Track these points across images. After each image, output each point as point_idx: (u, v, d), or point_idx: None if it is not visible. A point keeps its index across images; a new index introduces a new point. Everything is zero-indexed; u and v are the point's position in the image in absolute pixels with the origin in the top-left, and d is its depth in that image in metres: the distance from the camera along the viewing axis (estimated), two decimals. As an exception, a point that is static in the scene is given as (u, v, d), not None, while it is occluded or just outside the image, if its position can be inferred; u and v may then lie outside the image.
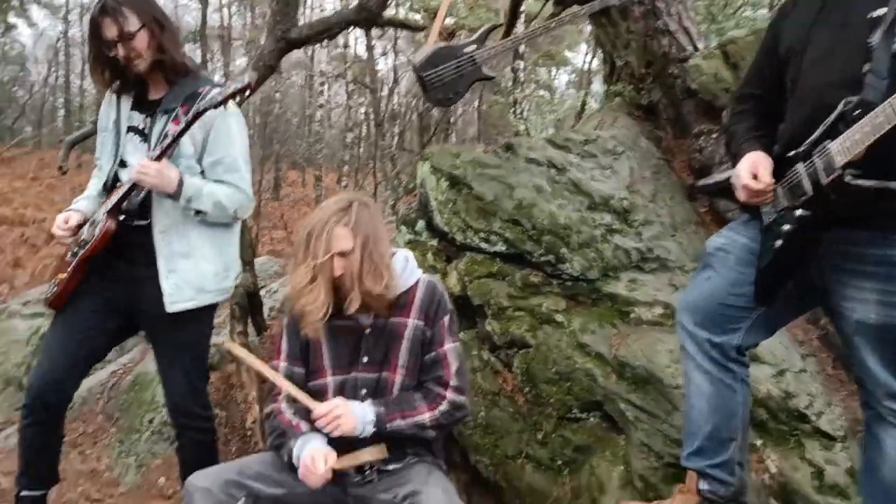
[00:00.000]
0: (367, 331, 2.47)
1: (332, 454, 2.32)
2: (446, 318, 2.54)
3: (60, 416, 2.97)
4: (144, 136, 2.85)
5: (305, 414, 2.50)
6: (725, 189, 2.49)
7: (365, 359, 2.46)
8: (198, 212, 2.82)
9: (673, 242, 3.86)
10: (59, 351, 2.85)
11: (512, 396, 3.16)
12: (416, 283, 2.56)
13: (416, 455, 2.48)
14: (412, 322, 2.49)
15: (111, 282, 2.88)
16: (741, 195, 2.21)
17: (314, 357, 2.52)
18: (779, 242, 2.18)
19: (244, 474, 2.38)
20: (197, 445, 3.01)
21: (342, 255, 2.36)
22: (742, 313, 2.31)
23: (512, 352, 3.23)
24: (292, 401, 2.52)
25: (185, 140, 2.78)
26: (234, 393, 4.21)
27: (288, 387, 2.40)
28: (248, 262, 4.29)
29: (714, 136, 4.98)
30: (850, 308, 2.15)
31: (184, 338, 2.91)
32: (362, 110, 19.87)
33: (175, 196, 2.74)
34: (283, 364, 2.55)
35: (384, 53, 19.99)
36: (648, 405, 2.88)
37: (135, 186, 2.74)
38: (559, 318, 3.25)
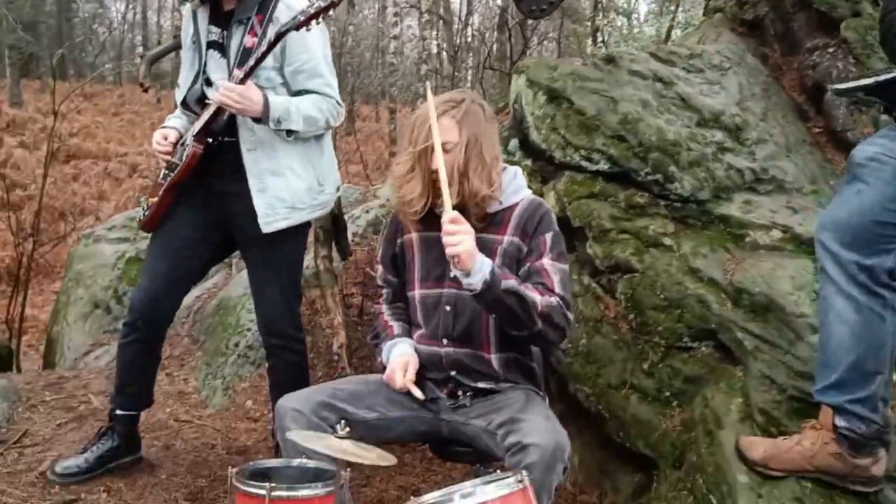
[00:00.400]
0: None
1: (413, 364, 2.25)
2: (548, 236, 2.31)
3: (160, 336, 2.95)
4: (223, 50, 2.72)
5: (402, 314, 2.43)
6: (873, 94, 2.21)
7: (452, 274, 2.29)
8: (289, 132, 2.70)
9: (789, 163, 3.53)
10: (157, 270, 2.83)
11: (615, 323, 2.96)
12: (521, 200, 2.36)
13: (512, 381, 2.32)
14: (507, 238, 2.30)
15: (205, 199, 2.81)
16: None
17: (406, 268, 2.42)
18: None
19: (337, 397, 2.27)
20: (289, 367, 2.93)
21: (444, 150, 2.19)
22: None
23: (615, 277, 3.01)
24: (390, 302, 2.46)
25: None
26: (318, 318, 4.13)
27: None
28: (331, 184, 4.14)
29: (830, 50, 4.57)
30: None
31: (279, 256, 2.82)
32: (435, 43, 19.44)
33: (262, 119, 2.62)
34: (380, 268, 2.50)
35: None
36: (769, 334, 2.63)
37: (221, 109, 2.62)
38: (667, 241, 3.01)
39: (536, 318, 2.10)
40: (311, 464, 2.10)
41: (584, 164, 3.21)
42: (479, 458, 2.36)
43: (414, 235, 2.39)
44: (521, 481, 1.79)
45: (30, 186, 14.02)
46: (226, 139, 2.73)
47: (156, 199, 2.81)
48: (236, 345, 3.98)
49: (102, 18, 32.80)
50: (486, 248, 2.28)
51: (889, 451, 2.20)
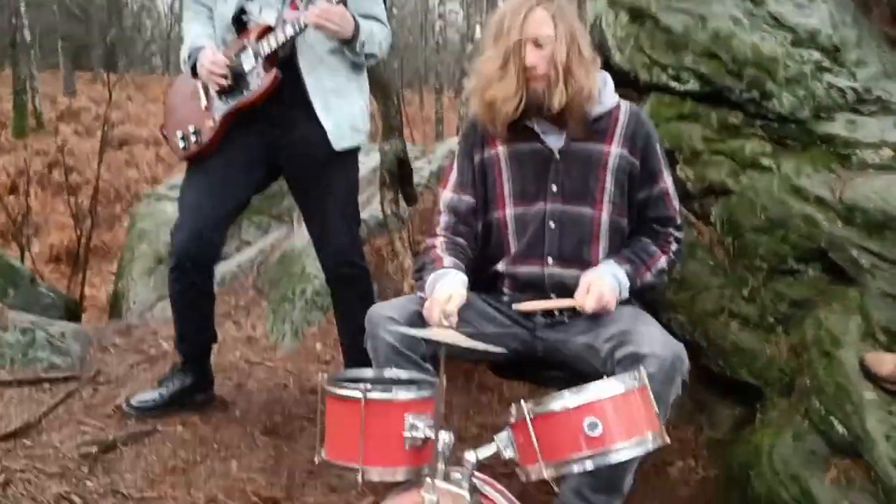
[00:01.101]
0: (558, 155, 2.14)
1: (458, 297, 1.96)
2: (659, 148, 2.20)
3: (209, 272, 2.84)
4: None
5: (459, 249, 2.18)
6: None
7: (553, 187, 2.13)
8: (368, 55, 2.62)
9: (893, 84, 3.29)
10: (203, 207, 2.67)
11: (710, 248, 2.77)
12: (618, 106, 2.20)
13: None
14: (615, 150, 2.15)
15: (256, 128, 2.69)
16: None
17: (491, 186, 2.21)
18: None
19: None
20: (359, 299, 2.81)
21: (537, 43, 2.03)
22: None
23: (709, 200, 2.82)
24: (449, 232, 2.21)
25: None
26: (386, 266, 4.02)
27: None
28: (396, 127, 4.02)
29: (922, -19, 4.30)
30: None
31: (340, 179, 2.74)
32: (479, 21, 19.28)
33: (352, 41, 2.54)
34: (448, 194, 2.26)
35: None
36: (888, 251, 2.41)
37: (296, 32, 2.52)
38: (765, 161, 2.80)
39: (666, 275, 2.21)
40: (404, 373, 1.97)
41: (673, 84, 3.01)
42: (569, 383, 2.21)
43: (500, 149, 2.21)
44: (636, 378, 1.63)
45: (85, 172, 14.24)
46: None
47: (209, 126, 2.68)
48: (303, 291, 3.89)
49: (150, 11, 33.34)
50: (592, 159, 2.14)
51: None
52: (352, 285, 2.79)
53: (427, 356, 2.10)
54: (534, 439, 1.58)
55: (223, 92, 2.65)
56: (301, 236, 4.36)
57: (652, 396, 1.63)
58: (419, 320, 2.06)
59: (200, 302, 2.85)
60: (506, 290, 2.23)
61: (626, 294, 2.08)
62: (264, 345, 3.67)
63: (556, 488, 1.83)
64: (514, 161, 2.20)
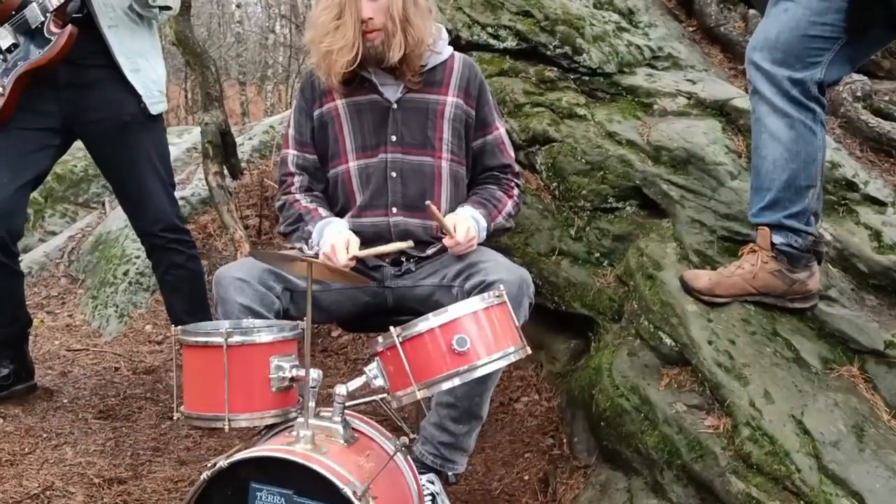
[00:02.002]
0: (394, 106, 2.18)
1: (355, 240, 2.07)
2: (491, 98, 2.29)
3: (14, 250, 2.61)
4: None
5: (323, 201, 2.24)
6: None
7: (393, 137, 2.17)
8: (161, 8, 2.50)
9: (680, 44, 3.63)
10: (4, 177, 2.48)
11: (538, 194, 2.93)
12: (451, 56, 2.27)
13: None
14: (451, 100, 2.21)
15: (50, 91, 2.50)
16: None
17: (332, 140, 2.22)
18: None
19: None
20: (186, 265, 2.72)
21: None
22: (825, 45, 2.09)
23: (534, 149, 2.97)
24: (305, 190, 2.26)
25: None
26: (213, 242, 3.89)
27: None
28: (216, 98, 3.89)
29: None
30: None
31: (153, 143, 2.61)
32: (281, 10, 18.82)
33: None
34: (292, 153, 2.26)
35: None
36: (692, 184, 2.68)
37: None
38: (581, 111, 3.00)
39: (512, 219, 2.31)
40: (260, 322, 1.94)
41: (492, 42, 3.15)
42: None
43: (339, 103, 2.21)
44: (499, 296, 1.71)
45: None
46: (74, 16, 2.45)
47: None
48: (125, 273, 3.68)
49: None
50: (429, 108, 2.19)
51: (820, 266, 2.29)
52: (179, 250, 2.67)
53: (281, 314, 2.09)
54: (405, 363, 1.62)
55: (7, 55, 2.44)
56: (117, 217, 4.12)
57: (512, 311, 1.72)
58: (270, 279, 2.04)
59: (10, 283, 2.62)
60: None
61: (483, 235, 2.16)
62: (86, 331, 3.44)
63: (425, 410, 1.88)
64: (352, 113, 2.21)
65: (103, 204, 4.61)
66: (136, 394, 2.82)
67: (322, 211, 2.18)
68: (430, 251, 2.21)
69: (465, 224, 2.07)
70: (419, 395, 1.61)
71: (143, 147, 2.57)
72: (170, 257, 2.67)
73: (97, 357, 3.16)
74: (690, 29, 4.40)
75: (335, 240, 2.04)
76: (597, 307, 2.65)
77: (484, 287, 1.95)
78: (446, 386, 1.62)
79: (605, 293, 2.65)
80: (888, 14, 2.07)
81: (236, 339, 1.68)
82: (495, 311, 1.69)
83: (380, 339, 1.68)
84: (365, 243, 2.15)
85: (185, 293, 2.70)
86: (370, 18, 2.05)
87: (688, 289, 2.31)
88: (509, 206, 2.27)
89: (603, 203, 2.80)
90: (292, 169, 2.26)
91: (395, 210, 2.18)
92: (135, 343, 3.29)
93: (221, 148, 3.82)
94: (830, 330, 2.24)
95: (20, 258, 2.76)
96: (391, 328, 1.64)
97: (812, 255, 2.22)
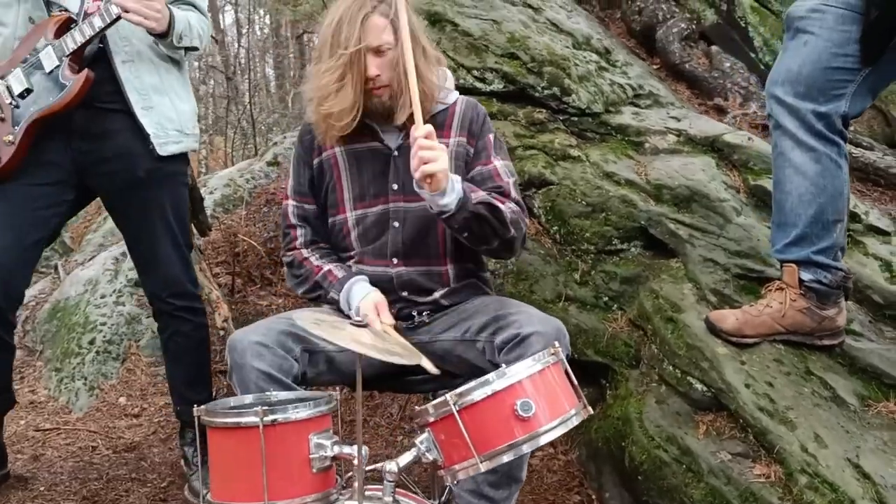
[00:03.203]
0: (395, 154, 2.07)
1: (383, 302, 1.96)
2: (492, 136, 2.18)
3: (12, 321, 2.39)
4: None
5: (331, 255, 2.13)
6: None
7: (395, 186, 2.06)
8: (188, 49, 2.35)
9: (656, 81, 3.63)
10: (4, 238, 2.26)
11: (538, 239, 2.85)
12: (456, 101, 2.18)
13: (473, 290, 2.13)
14: (453, 140, 2.11)
15: (61, 141, 2.32)
16: None
17: (330, 188, 2.10)
18: None
19: (296, 326, 1.94)
20: (193, 332, 2.53)
21: (378, 51, 1.93)
22: (848, 76, 2.07)
23: (530, 192, 2.89)
24: (309, 243, 2.14)
25: None
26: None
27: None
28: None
29: (651, -6, 4.82)
30: None
31: (167, 195, 2.42)
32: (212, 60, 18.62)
33: (166, 35, 2.24)
34: (292, 204, 2.15)
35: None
36: (699, 222, 2.64)
37: (107, 24, 2.18)
38: (574, 152, 2.95)
39: (509, 224, 1.93)
40: (284, 394, 1.78)
41: (479, 85, 3.08)
42: (440, 385, 2.14)
43: (338, 150, 2.09)
44: (554, 354, 1.60)
45: None
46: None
47: (6, 142, 2.27)
48: (91, 342, 3.43)
49: None
50: None
51: (847, 301, 2.25)
52: (187, 317, 2.47)
53: (299, 377, 1.94)
54: (465, 433, 1.48)
55: (20, 97, 2.24)
56: (76, 282, 3.87)
57: (569, 369, 1.61)
58: (290, 341, 1.90)
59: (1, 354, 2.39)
60: None
61: (456, 190, 1.84)
62: (53, 408, 3.16)
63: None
64: (351, 162, 2.09)
65: (55, 268, 4.34)
66: (121, 475, 2.59)
67: (336, 271, 2.06)
68: (436, 295, 2.08)
69: (443, 147, 1.82)
70: (482, 467, 1.48)
71: (158, 206, 2.38)
72: (176, 324, 2.47)
73: (70, 436, 2.90)
74: (655, 67, 4.45)
75: (366, 307, 1.94)
76: (611, 353, 2.56)
77: (519, 341, 1.84)
78: (511, 456, 1.49)
79: (619, 338, 2.56)
80: None
81: (271, 417, 1.52)
82: (553, 371, 1.57)
83: (430, 408, 1.54)
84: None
85: (187, 363, 2.51)
86: (377, 76, 1.94)
87: (715, 330, 2.24)
88: (503, 206, 1.92)
89: (607, 245, 2.73)
90: (293, 221, 2.15)
91: (395, 261, 2.07)
92: (110, 418, 3.03)
93: (189, 204, 3.62)
94: (862, 365, 2.20)
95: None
96: (446, 395, 1.50)
97: (841, 291, 2.18)
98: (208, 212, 4.38)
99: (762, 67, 4.37)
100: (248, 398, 1.75)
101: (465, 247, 2.11)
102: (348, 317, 1.97)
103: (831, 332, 2.21)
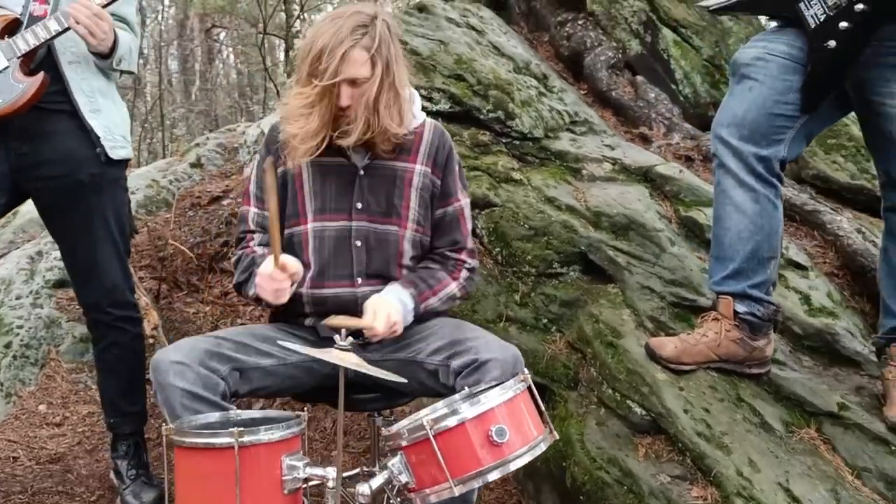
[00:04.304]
0: (361, 172, 2.09)
1: (294, 264, 1.95)
2: (457, 168, 2.22)
3: None
4: None
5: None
6: (739, 3, 2.40)
7: (359, 205, 2.08)
8: (123, 72, 2.31)
9: (589, 108, 3.76)
10: None
11: (480, 259, 2.90)
12: (423, 124, 2.20)
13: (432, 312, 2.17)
14: (419, 168, 2.13)
15: (1, 142, 2.22)
16: None
17: (291, 198, 2.10)
18: (832, 43, 2.11)
19: (223, 346, 1.93)
20: (130, 343, 2.46)
21: (353, 83, 1.94)
22: (788, 123, 2.22)
23: (475, 213, 2.95)
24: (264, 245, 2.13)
25: None
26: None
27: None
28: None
29: (580, 22, 4.98)
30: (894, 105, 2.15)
31: (110, 201, 2.35)
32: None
33: (107, 56, 2.20)
34: (252, 210, 2.14)
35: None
36: (636, 250, 2.76)
37: (63, 29, 2.12)
38: (517, 175, 3.03)
39: (458, 300, 2.17)
40: (249, 413, 1.78)
41: (426, 104, 3.11)
42: (386, 403, 2.17)
43: (303, 161, 2.10)
44: (523, 381, 1.66)
45: None
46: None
47: None
48: (7, 346, 3.26)
49: None
50: (396, 176, 2.10)
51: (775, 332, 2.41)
52: (123, 329, 2.40)
53: (228, 395, 1.92)
54: (440, 457, 1.51)
55: None
56: (-15, 282, 3.66)
57: (536, 394, 1.66)
58: (214, 360, 1.88)
59: None
60: (308, 311, 2.11)
61: (410, 318, 2.02)
62: (-35, 416, 3.00)
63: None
64: (316, 175, 2.09)
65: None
66: (46, 487, 2.48)
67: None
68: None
69: (386, 309, 1.95)
70: (456, 491, 1.52)
71: (100, 211, 2.29)
72: (113, 335, 2.39)
73: (-14, 446, 2.76)
74: (582, 92, 4.60)
75: (262, 268, 1.94)
76: (550, 375, 2.63)
77: (477, 366, 1.87)
78: (483, 481, 1.54)
79: (559, 360, 2.64)
80: (837, 93, 2.24)
81: (249, 438, 1.51)
82: (523, 398, 1.63)
83: (405, 431, 1.56)
84: (325, 315, 2.03)
85: (122, 374, 2.44)
86: (348, 106, 1.95)
87: (655, 357, 2.35)
88: (452, 287, 2.11)
89: (548, 268, 2.81)
90: (252, 227, 2.14)
91: (360, 280, 2.08)
92: (30, 427, 2.89)
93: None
94: (786, 393, 2.35)
95: None
96: (422, 420, 1.53)
97: (771, 324, 2.33)
98: (132, 213, 4.25)
99: (681, 99, 4.60)
100: (214, 416, 1.74)
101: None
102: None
103: (760, 361, 2.36)
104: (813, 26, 2.15)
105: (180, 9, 16.82)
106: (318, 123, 1.94)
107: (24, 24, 2.13)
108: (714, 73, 4.65)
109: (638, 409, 2.29)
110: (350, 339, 1.65)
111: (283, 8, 11.45)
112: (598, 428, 2.33)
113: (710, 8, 2.41)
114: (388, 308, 1.95)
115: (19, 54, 2.10)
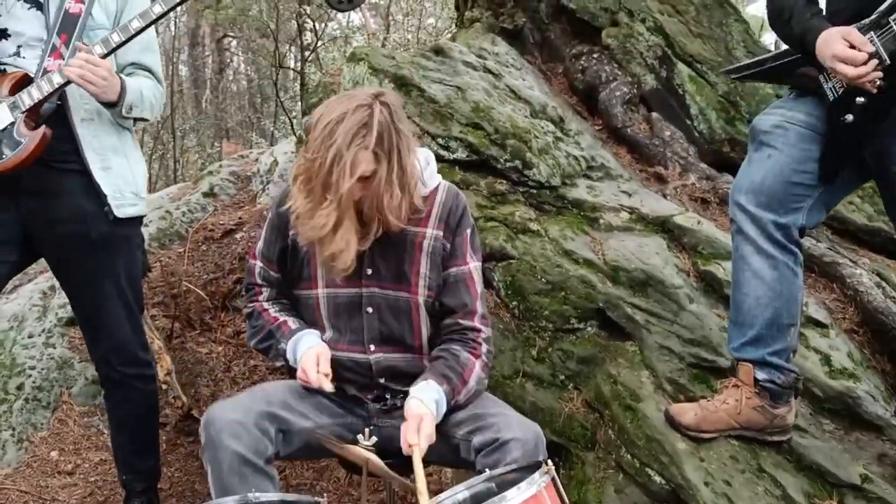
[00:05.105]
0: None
1: (325, 353, 1.99)
2: (468, 232, 2.16)
3: None
4: (38, 2, 2.20)
5: (291, 311, 2.15)
6: (762, 73, 2.38)
7: (369, 271, 2.05)
8: (137, 119, 2.30)
9: (606, 152, 3.74)
10: None
11: (496, 313, 2.88)
12: (437, 188, 2.16)
13: None
14: (430, 232, 2.09)
15: (12, 199, 2.22)
16: (846, 71, 2.01)
17: (304, 262, 2.09)
18: (849, 117, 2.09)
19: (273, 404, 1.95)
20: (142, 400, 2.46)
21: (363, 179, 1.91)
22: (806, 192, 2.21)
23: (490, 265, 2.93)
24: (272, 299, 2.16)
25: (96, 7, 2.21)
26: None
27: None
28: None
29: (595, 56, 4.95)
30: None
31: (120, 259, 2.34)
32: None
33: (116, 103, 2.19)
34: (259, 265, 2.15)
35: None
36: (654, 307, 2.74)
37: (67, 82, 2.12)
38: (534, 226, 3.01)
39: (485, 379, 2.08)
40: (267, 496, 1.75)
41: (443, 153, 3.10)
42: (405, 469, 2.15)
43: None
44: (547, 472, 1.63)
45: None
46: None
47: None
48: (19, 388, 3.25)
49: None
50: (407, 241, 2.07)
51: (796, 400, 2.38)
52: (136, 385, 2.39)
53: (272, 458, 1.92)
54: (461, 559, 1.49)
55: None
56: (0, 316, 3.66)
57: (559, 484, 1.64)
58: (266, 420, 1.89)
59: None
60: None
61: (440, 417, 1.94)
62: (-23, 462, 2.99)
63: None
64: None
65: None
66: (58, 545, 2.47)
67: (291, 323, 2.09)
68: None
69: (428, 430, 1.87)
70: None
71: (110, 269, 2.29)
72: (124, 393, 2.38)
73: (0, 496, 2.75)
74: (596, 128, 4.57)
75: (304, 361, 1.97)
76: (567, 434, 2.61)
77: (498, 446, 1.85)
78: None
79: (576, 419, 2.61)
80: (856, 163, 2.22)
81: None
82: (548, 491, 1.61)
83: (426, 527, 1.55)
84: (345, 380, 2.05)
85: (135, 431, 2.43)
86: (360, 200, 1.93)
87: (674, 424, 2.33)
88: (477, 368, 2.04)
89: (565, 324, 2.79)
90: (259, 280, 2.17)
91: (372, 347, 2.06)
92: (41, 475, 2.87)
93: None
94: (808, 463, 2.32)
95: None
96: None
97: (792, 391, 2.30)
98: (145, 246, 4.25)
99: (696, 135, 4.57)
100: (231, 501, 1.71)
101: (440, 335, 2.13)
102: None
103: (781, 429, 2.33)
104: (831, 99, 2.13)
105: (192, 17, 16.89)
106: (353, 237, 1.90)
107: (35, 80, 2.14)
108: (729, 110, 4.61)
109: (657, 478, 2.26)
110: (374, 438, 1.63)
111: (297, 20, 11.47)
112: (616, 495, 2.31)
113: (734, 76, 2.39)
114: (429, 422, 1.88)
115: (23, 108, 2.11)
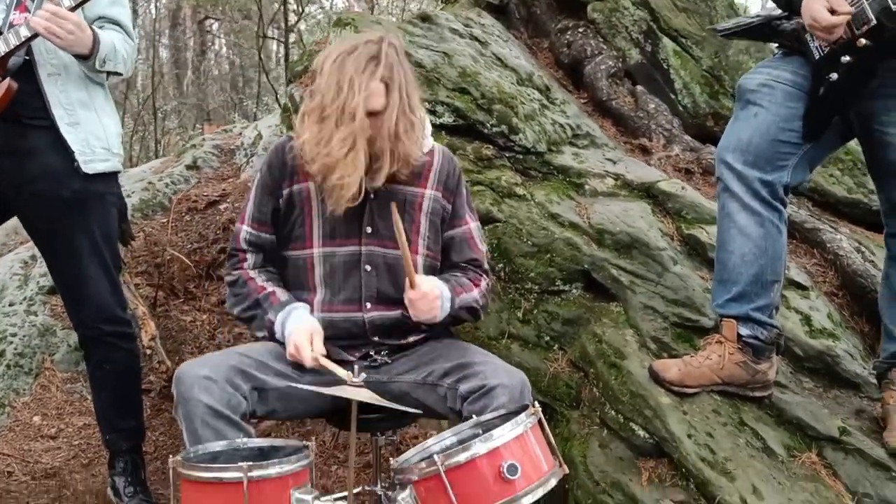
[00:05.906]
0: (372, 196, 2.06)
1: (318, 331, 1.97)
2: (465, 191, 2.23)
3: None
4: None
5: (278, 280, 2.12)
6: (751, 30, 2.39)
7: (368, 229, 2.06)
8: (111, 73, 2.27)
9: (590, 120, 3.76)
10: None
11: (482, 275, 2.89)
12: (433, 150, 2.19)
13: (442, 332, 2.16)
14: (429, 193, 2.13)
15: None
16: (820, 32, 2.04)
17: (298, 223, 2.08)
18: (834, 76, 2.12)
19: (244, 363, 1.94)
20: (124, 360, 2.44)
21: (373, 114, 1.92)
22: (792, 149, 2.23)
23: (477, 228, 2.94)
24: (258, 267, 2.13)
25: None
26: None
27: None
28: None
29: (580, 30, 4.95)
30: None
31: (94, 215, 2.32)
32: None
33: (89, 57, 2.17)
34: (247, 229, 2.12)
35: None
36: (639, 269, 2.76)
37: (33, 36, 2.09)
38: (520, 191, 3.02)
39: (479, 311, 2.14)
40: (255, 441, 1.76)
41: (430, 117, 3.08)
42: (393, 424, 2.16)
43: (312, 185, 2.06)
44: (534, 414, 1.65)
45: None
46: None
47: None
48: (0, 355, 3.23)
49: None
50: (407, 201, 2.09)
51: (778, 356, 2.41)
52: (118, 344, 2.38)
53: (248, 415, 1.92)
54: (451, 494, 1.51)
55: None
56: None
57: (545, 426, 1.66)
58: (238, 377, 1.88)
59: None
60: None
61: (447, 306, 2.02)
62: (-42, 427, 2.97)
63: None
64: (325, 200, 2.07)
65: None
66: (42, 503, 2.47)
67: (280, 294, 2.06)
68: (411, 339, 2.11)
69: (431, 283, 1.99)
70: (467, 528, 1.51)
71: (85, 228, 2.27)
72: (104, 352, 2.37)
73: (-20, 460, 2.74)
74: (582, 101, 4.59)
75: (298, 339, 1.93)
76: (552, 393, 2.63)
77: (485, 392, 1.88)
78: (493, 518, 1.53)
79: (561, 379, 2.64)
80: (840, 122, 2.25)
81: (258, 473, 1.50)
82: (534, 432, 1.62)
83: (415, 466, 1.56)
84: (337, 339, 2.03)
85: (116, 390, 2.42)
86: (373, 138, 1.93)
87: (658, 379, 2.35)
88: (475, 293, 2.12)
89: (551, 286, 2.80)
90: (243, 246, 2.13)
91: (369, 305, 2.07)
92: (24, 439, 2.86)
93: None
94: (788, 417, 2.35)
95: None
96: (433, 455, 1.53)
97: (774, 347, 2.33)
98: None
99: (681, 109, 4.59)
100: (218, 446, 1.72)
101: None
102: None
103: (762, 384, 2.36)
104: (816, 58, 2.15)
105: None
106: (360, 168, 1.91)
107: (2, 34, 2.12)
108: (713, 84, 4.63)
109: (641, 433, 2.29)
110: (363, 375, 1.64)
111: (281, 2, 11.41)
112: (601, 450, 2.33)
113: (721, 33, 2.41)
114: (432, 282, 1.98)
115: None
